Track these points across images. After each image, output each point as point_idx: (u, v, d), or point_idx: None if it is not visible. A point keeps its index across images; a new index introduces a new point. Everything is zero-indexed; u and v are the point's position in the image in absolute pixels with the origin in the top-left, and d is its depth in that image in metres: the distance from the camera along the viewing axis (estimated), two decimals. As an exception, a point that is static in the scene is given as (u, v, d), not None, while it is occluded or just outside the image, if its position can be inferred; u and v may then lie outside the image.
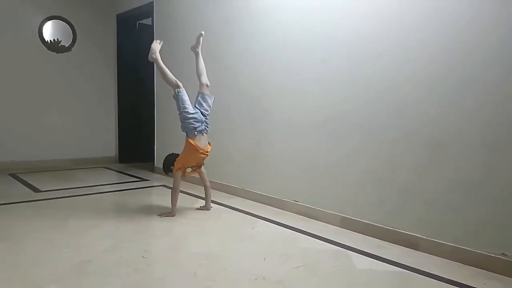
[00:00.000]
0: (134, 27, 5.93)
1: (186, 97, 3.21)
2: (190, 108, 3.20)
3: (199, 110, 3.24)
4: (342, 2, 2.92)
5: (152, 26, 5.16)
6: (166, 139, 5.00)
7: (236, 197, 3.89)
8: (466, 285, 2.05)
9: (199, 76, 3.40)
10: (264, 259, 2.33)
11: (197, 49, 3.44)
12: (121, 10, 5.80)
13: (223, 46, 4.04)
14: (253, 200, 3.72)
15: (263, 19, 3.60)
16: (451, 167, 2.37)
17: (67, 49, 5.60)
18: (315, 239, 2.72)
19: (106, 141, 6.10)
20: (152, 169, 5.25)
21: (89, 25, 5.77)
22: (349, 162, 2.94)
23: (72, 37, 5.63)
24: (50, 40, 5.45)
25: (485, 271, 2.21)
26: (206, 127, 3.25)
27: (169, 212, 3.23)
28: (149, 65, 5.06)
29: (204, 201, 3.47)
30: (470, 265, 2.27)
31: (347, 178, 2.95)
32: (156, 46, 3.30)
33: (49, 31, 5.46)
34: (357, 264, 2.30)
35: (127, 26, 5.90)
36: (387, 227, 2.69)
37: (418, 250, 2.50)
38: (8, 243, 2.54)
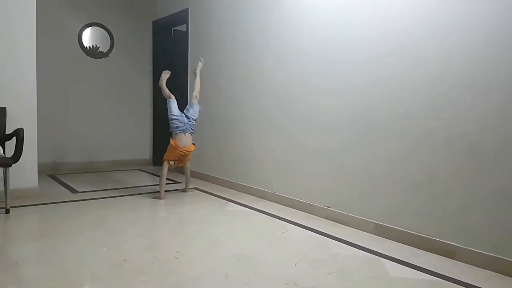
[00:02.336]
0: (170, 34, 6.07)
1: (174, 105, 4.02)
2: (175, 111, 3.97)
3: (185, 114, 3.99)
4: (388, 2, 2.87)
5: (187, 33, 5.27)
6: (198, 143, 5.06)
7: (266, 200, 3.90)
8: (505, 297, 1.98)
9: (192, 90, 4.23)
10: (295, 264, 2.33)
11: (196, 72, 4.20)
12: (157, 17, 5.96)
13: (258, 50, 4.07)
14: (282, 204, 3.72)
15: (300, 22, 3.59)
16: (493, 173, 2.30)
17: (105, 54, 5.80)
18: (347, 245, 2.70)
19: (141, 144, 6.25)
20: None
21: (126, 31, 5.96)
22: (386, 167, 2.88)
23: (110, 43, 5.82)
24: (89, 46, 5.66)
25: (526, 283, 2.12)
26: (188, 129, 3.95)
27: (158, 196, 3.95)
28: (184, 71, 5.19)
29: (184, 185, 4.35)
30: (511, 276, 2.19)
31: (383, 184, 2.90)
32: (165, 76, 4.16)
33: (88, 37, 5.67)
34: (391, 271, 2.26)
35: (163, 32, 6.04)
36: (422, 235, 2.62)
37: (455, 259, 2.43)
38: (50, 241, 2.66)
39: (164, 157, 3.97)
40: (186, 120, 3.94)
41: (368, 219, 2.98)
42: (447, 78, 2.51)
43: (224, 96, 4.54)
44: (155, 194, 4.04)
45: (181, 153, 3.89)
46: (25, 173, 3.73)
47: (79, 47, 5.59)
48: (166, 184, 4.36)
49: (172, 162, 3.95)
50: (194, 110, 4.03)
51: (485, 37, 2.33)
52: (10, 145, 3.43)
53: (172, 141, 3.91)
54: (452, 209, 2.49)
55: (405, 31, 2.75)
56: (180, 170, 4.53)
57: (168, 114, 3.99)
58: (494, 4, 2.28)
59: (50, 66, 5.21)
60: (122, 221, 3.12)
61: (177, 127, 3.91)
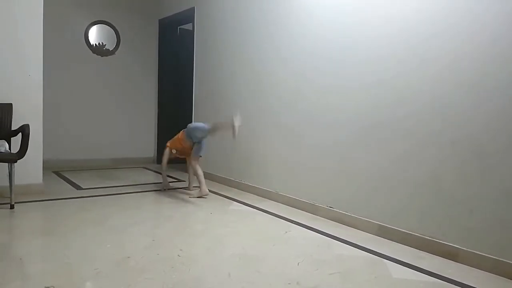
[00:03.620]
0: (175, 32, 6.07)
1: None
2: (206, 127, 3.98)
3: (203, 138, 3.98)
4: (391, 3, 2.86)
5: (193, 31, 5.27)
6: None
7: (269, 200, 3.90)
8: (509, 300, 1.97)
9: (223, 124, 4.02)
10: (298, 264, 2.33)
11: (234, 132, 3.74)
12: (163, 15, 5.97)
13: (264, 50, 4.07)
14: (286, 204, 3.71)
15: (305, 22, 3.59)
16: (498, 175, 2.29)
17: (111, 52, 5.81)
18: (350, 246, 2.69)
19: (145, 142, 6.26)
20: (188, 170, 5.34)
21: (132, 29, 5.97)
22: (390, 168, 2.88)
23: (116, 41, 5.84)
24: (95, 44, 5.68)
25: (530, 287, 2.11)
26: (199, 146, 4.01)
27: (162, 186, 4.23)
28: (189, 70, 5.19)
29: (188, 183, 4.34)
30: (514, 280, 2.18)
31: (387, 185, 2.89)
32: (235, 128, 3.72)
33: (94, 35, 5.69)
34: (393, 273, 2.26)
35: (169, 31, 6.04)
36: (426, 237, 2.62)
37: (458, 262, 2.42)
38: (54, 237, 2.67)
39: (168, 144, 4.14)
40: (202, 142, 3.97)
41: (371, 220, 2.97)
42: (452, 79, 2.50)
43: (229, 95, 4.54)
44: (159, 185, 4.29)
45: (183, 146, 4.07)
46: (30, 169, 3.74)
47: (85, 44, 5.61)
48: (170, 182, 4.38)
49: (174, 151, 4.11)
50: (200, 144, 3.97)
51: (490, 37, 2.32)
52: (16, 141, 3.45)
53: (181, 135, 4.04)
54: (456, 211, 2.48)
55: (411, 31, 2.73)
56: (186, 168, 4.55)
57: (199, 125, 4.06)
58: (500, 5, 2.27)
59: (56, 63, 5.23)
60: (126, 219, 3.13)
61: (195, 137, 3.93)
